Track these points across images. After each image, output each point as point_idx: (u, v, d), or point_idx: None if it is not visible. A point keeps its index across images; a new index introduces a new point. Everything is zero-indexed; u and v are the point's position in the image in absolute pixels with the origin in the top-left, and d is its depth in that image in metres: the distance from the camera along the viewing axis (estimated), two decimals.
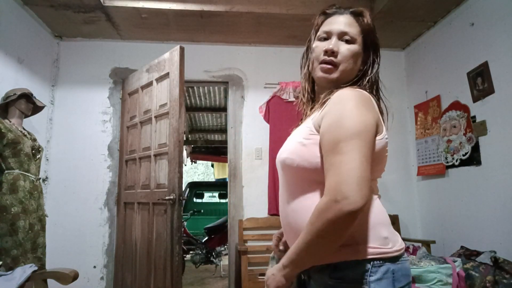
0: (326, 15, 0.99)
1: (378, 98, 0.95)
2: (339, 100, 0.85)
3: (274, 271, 0.85)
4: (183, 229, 4.35)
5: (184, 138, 5.28)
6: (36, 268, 1.84)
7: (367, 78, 0.95)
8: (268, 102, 3.41)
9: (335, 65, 0.92)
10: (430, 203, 3.28)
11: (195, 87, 5.10)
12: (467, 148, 2.74)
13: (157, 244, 2.58)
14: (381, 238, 0.84)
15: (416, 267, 2.09)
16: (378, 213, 0.87)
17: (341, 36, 0.93)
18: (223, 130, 7.20)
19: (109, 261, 3.10)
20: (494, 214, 2.53)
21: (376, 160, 0.84)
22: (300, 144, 0.88)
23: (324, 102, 0.90)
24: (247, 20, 3.09)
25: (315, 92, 1.02)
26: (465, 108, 2.80)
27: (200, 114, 6.51)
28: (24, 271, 1.77)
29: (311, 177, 0.86)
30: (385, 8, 2.90)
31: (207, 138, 8.02)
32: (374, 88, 0.96)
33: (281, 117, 3.33)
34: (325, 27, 0.97)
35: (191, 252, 4.95)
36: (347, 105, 0.83)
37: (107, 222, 3.14)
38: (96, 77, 3.33)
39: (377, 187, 0.93)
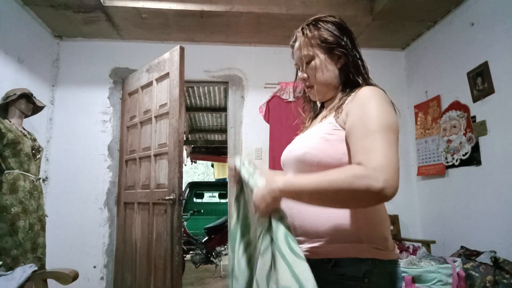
0: (292, 48, 1.09)
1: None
2: (368, 96, 0.87)
3: (264, 193, 0.82)
4: (183, 229, 4.35)
5: (184, 138, 5.28)
6: (36, 268, 1.84)
7: (355, 70, 0.99)
8: (268, 102, 3.41)
9: (312, 87, 1.03)
10: (430, 203, 3.28)
11: (195, 87, 5.10)
12: (467, 148, 2.74)
13: (157, 244, 2.58)
14: (385, 240, 0.85)
15: (416, 267, 2.09)
16: (384, 215, 0.89)
17: (302, 62, 1.02)
18: (223, 130, 7.20)
19: (109, 261, 3.10)
20: (494, 214, 2.53)
21: None
22: (323, 139, 0.89)
23: (343, 102, 0.92)
24: (247, 20, 3.09)
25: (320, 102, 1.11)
26: (465, 108, 2.80)
27: (200, 114, 6.51)
28: (24, 271, 1.77)
29: (318, 168, 0.85)
30: (385, 8, 2.90)
31: (207, 138, 8.01)
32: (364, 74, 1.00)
33: (281, 117, 3.33)
34: (295, 61, 1.08)
35: (191, 252, 4.94)
36: (376, 101, 0.85)
37: (107, 222, 3.14)
38: (96, 77, 3.33)
39: None
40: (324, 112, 1.03)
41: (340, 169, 0.78)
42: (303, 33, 1.01)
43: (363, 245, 0.83)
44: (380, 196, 0.74)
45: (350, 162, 0.84)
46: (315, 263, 0.82)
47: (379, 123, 0.80)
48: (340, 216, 0.85)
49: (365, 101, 0.85)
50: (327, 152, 0.87)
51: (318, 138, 0.90)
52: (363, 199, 0.76)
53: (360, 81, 0.97)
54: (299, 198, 0.82)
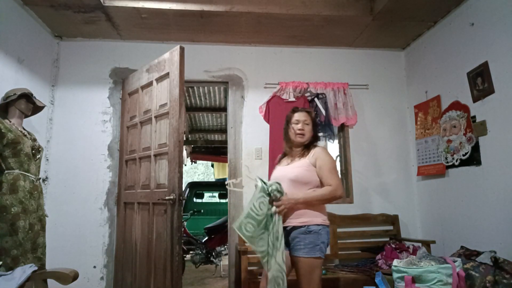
0: (294, 112, 2.16)
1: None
2: (323, 152, 2.04)
3: (292, 201, 1.90)
4: (183, 229, 4.35)
5: (184, 138, 5.28)
6: (36, 268, 1.84)
7: (317, 138, 2.17)
8: (268, 102, 3.41)
9: (304, 135, 2.09)
10: (430, 203, 3.28)
11: (195, 87, 5.10)
12: (467, 148, 2.74)
13: (157, 244, 2.58)
14: (323, 216, 1.99)
15: (416, 267, 2.09)
16: (324, 207, 2.05)
17: (303, 122, 2.10)
18: (223, 130, 7.20)
19: (109, 261, 3.10)
20: (494, 214, 2.53)
21: None
22: (306, 170, 1.99)
23: (309, 152, 2.05)
24: (247, 20, 3.09)
25: (292, 147, 2.14)
26: (465, 108, 2.80)
27: (200, 114, 6.51)
28: (24, 271, 1.77)
29: (307, 185, 1.98)
30: (385, 8, 2.90)
31: (207, 138, 8.01)
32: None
33: (281, 117, 3.30)
34: (295, 118, 2.12)
35: (191, 252, 4.94)
36: (328, 154, 2.06)
37: (107, 222, 3.14)
38: (96, 77, 3.33)
39: None
40: (294, 156, 2.11)
41: (324, 189, 1.95)
42: (309, 112, 2.17)
43: (318, 219, 1.95)
44: (338, 198, 1.94)
45: (321, 183, 1.99)
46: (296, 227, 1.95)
47: (330, 165, 1.99)
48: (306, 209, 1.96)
49: (323, 155, 2.02)
50: (309, 177, 1.99)
51: (303, 170, 1.99)
52: (330, 200, 1.96)
53: (314, 144, 2.12)
54: (307, 203, 1.94)
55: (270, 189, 1.86)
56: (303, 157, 2.05)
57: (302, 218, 1.92)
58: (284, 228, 1.92)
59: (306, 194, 1.93)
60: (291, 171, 2.00)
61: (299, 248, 1.88)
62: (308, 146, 2.10)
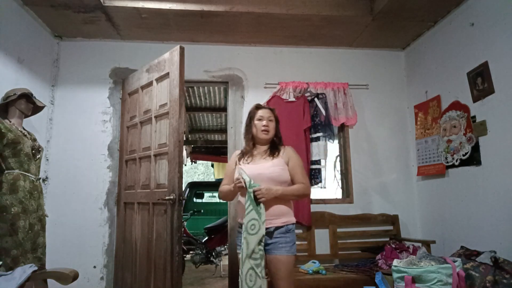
0: (258, 109, 2.15)
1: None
2: (294, 152, 2.10)
3: (273, 191, 1.89)
4: (183, 229, 4.35)
5: (184, 138, 5.28)
6: (36, 268, 1.84)
7: (280, 137, 2.17)
8: (268, 102, 3.41)
9: (268, 131, 2.08)
10: (430, 203, 3.28)
11: (195, 87, 5.10)
12: (467, 148, 2.74)
13: (157, 244, 2.58)
14: (293, 214, 2.06)
15: (416, 267, 2.09)
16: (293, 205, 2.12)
17: (267, 118, 2.10)
18: (223, 130, 7.20)
19: (109, 261, 3.10)
20: (494, 214, 2.53)
21: None
22: (281, 169, 2.00)
23: (279, 151, 2.08)
24: (247, 20, 3.09)
25: (255, 145, 2.14)
26: (465, 108, 2.80)
27: (200, 114, 6.51)
28: (24, 271, 1.77)
29: (283, 184, 1.98)
30: (385, 8, 2.90)
31: (207, 138, 8.01)
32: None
33: (281, 117, 3.31)
34: (259, 114, 2.11)
35: (191, 252, 4.94)
36: (297, 155, 2.12)
37: (107, 222, 3.14)
38: (96, 77, 3.33)
39: None
40: (257, 154, 2.09)
41: (299, 185, 2.00)
42: (273, 110, 2.17)
43: (293, 218, 2.03)
44: (307, 196, 2.20)
45: (292, 180, 2.03)
46: (278, 227, 1.96)
47: (301, 165, 2.08)
48: (286, 208, 2.01)
49: (295, 155, 2.08)
50: (286, 175, 2.01)
51: (279, 169, 1.99)
52: (304, 197, 2.11)
53: (279, 142, 2.15)
54: (284, 196, 1.96)
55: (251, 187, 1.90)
56: (274, 156, 2.04)
57: (282, 218, 1.95)
58: (267, 229, 1.88)
59: (284, 188, 1.95)
60: (270, 170, 1.97)
61: (281, 247, 1.89)
62: (275, 145, 2.11)
